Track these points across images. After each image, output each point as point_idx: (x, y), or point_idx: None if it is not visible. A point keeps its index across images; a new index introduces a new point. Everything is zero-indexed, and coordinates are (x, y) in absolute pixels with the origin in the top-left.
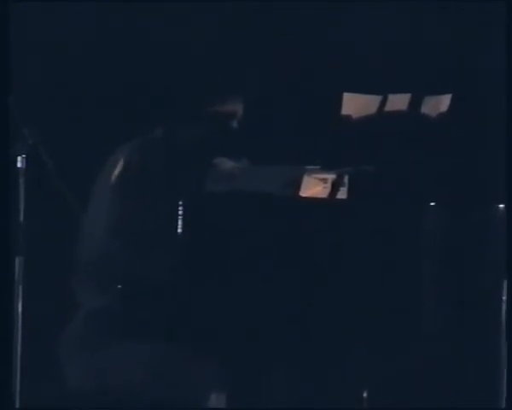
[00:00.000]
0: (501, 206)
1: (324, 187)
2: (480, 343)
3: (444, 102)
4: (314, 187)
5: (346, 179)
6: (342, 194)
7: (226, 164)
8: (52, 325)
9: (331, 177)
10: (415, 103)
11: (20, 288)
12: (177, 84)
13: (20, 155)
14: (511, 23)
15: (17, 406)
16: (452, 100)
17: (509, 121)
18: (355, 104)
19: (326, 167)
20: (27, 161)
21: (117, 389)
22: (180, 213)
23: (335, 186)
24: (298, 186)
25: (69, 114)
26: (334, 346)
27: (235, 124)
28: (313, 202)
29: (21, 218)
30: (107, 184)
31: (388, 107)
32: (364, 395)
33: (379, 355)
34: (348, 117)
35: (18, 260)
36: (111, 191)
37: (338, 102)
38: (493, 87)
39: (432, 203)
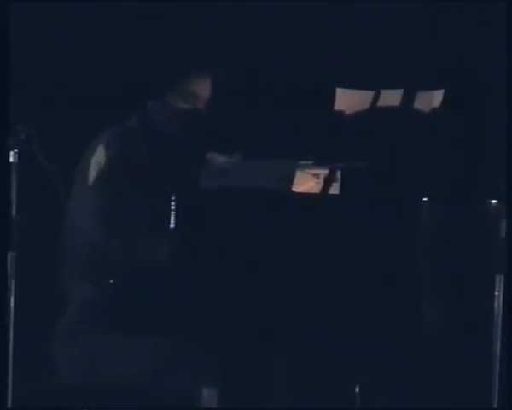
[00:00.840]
0: (494, 201)
1: (317, 182)
2: (474, 341)
3: (437, 98)
4: (307, 182)
5: (338, 175)
6: (335, 189)
7: (219, 159)
8: (45, 321)
9: (324, 172)
10: (408, 99)
11: (13, 283)
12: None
13: (12, 150)
14: (511, 23)
15: (9, 404)
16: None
17: (509, 121)
18: (348, 100)
19: (319, 163)
20: (20, 155)
21: (111, 385)
22: (173, 208)
23: (328, 181)
24: (290, 181)
25: (63, 110)
26: (328, 343)
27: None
28: (306, 197)
29: (14, 213)
30: (100, 178)
31: (381, 102)
32: (357, 390)
33: (373, 353)
34: (341, 112)
35: (10, 255)
36: (104, 186)
37: (331, 98)
38: (493, 87)
39: (424, 199)
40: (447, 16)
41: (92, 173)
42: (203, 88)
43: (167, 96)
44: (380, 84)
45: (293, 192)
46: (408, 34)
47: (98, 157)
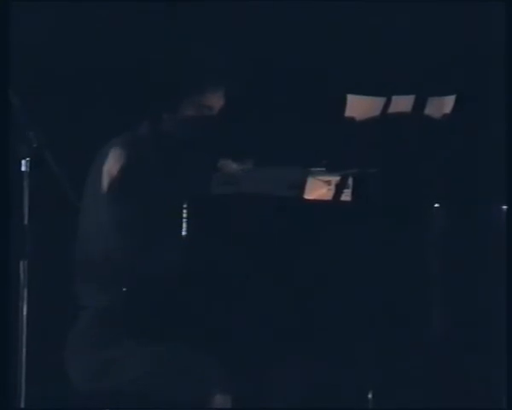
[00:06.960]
0: (504, 207)
1: (328, 189)
2: (481, 344)
3: (448, 104)
4: (318, 189)
5: (350, 181)
6: (346, 196)
7: (231, 166)
8: (57, 329)
9: (335, 179)
10: (419, 105)
11: (25, 291)
12: (182, 85)
13: (24, 159)
14: (511, 23)
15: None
16: (455, 101)
17: (510, 122)
18: (359, 106)
19: (330, 169)
20: (32, 164)
21: (123, 391)
22: (184, 215)
23: (340, 188)
24: (302, 188)
25: (74, 115)
26: (337, 348)
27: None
28: (317, 204)
29: (25, 221)
30: (112, 186)
31: (392, 108)
32: (369, 395)
33: (380, 358)
34: (352, 119)
35: (22, 264)
36: (116, 194)
37: (342, 104)
38: (493, 87)
39: (436, 205)
40: (447, 16)
41: (104, 182)
42: (215, 96)
43: (179, 105)
44: (382, 84)
45: (305, 199)
46: (407, 34)
47: (109, 165)
